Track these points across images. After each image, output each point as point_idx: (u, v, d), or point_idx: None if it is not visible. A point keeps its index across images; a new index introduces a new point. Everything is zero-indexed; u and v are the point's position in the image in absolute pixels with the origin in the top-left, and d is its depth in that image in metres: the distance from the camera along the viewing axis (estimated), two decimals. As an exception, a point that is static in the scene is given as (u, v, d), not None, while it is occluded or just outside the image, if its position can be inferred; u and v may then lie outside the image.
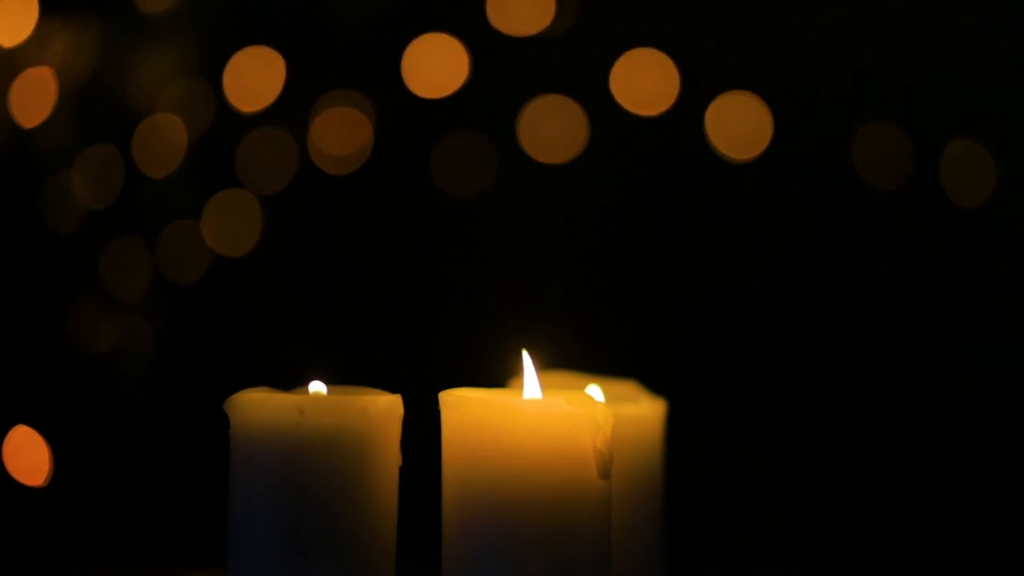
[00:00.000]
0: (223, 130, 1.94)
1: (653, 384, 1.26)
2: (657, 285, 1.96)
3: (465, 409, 1.03)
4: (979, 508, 1.88)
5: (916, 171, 1.89)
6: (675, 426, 1.24)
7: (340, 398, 1.08)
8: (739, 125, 1.90)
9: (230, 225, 1.95)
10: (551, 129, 1.93)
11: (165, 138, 1.93)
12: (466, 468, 1.02)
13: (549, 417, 1.01)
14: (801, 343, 1.94)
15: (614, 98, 1.91)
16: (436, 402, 1.05)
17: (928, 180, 1.88)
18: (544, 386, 1.07)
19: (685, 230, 1.96)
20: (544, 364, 1.25)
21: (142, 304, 1.93)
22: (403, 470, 1.09)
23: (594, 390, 1.19)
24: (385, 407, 1.07)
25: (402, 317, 1.97)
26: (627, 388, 1.24)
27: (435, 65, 1.93)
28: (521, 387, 1.07)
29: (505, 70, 1.94)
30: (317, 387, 1.10)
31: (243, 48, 1.94)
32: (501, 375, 1.22)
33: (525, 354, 1.08)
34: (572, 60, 1.94)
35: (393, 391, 1.09)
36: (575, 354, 1.39)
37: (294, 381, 1.12)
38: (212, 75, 1.94)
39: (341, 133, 1.96)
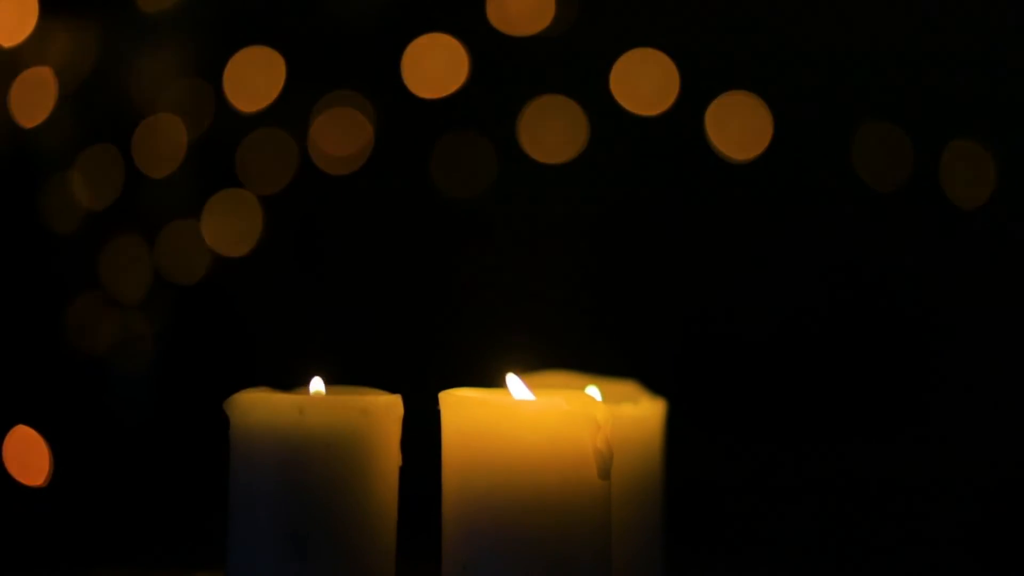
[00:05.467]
0: (223, 130, 1.94)
1: (653, 384, 1.25)
2: (657, 285, 1.96)
3: (465, 409, 1.03)
4: (979, 508, 1.88)
5: (916, 171, 1.89)
6: (675, 426, 1.24)
7: (340, 398, 1.08)
8: (739, 125, 1.90)
9: (230, 225, 1.95)
10: (551, 129, 1.93)
11: (165, 138, 1.93)
12: (466, 468, 1.02)
13: (549, 417, 1.01)
14: (801, 343, 1.94)
15: (614, 98, 1.91)
16: (436, 402, 1.05)
17: (928, 180, 1.88)
18: (543, 386, 1.07)
19: (685, 230, 1.96)
20: (542, 365, 1.25)
21: (142, 304, 1.93)
22: (403, 470, 1.09)
23: (592, 391, 1.18)
24: (385, 407, 1.07)
25: (402, 317, 1.97)
26: (627, 388, 1.24)
27: (435, 65, 1.93)
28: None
29: (505, 70, 1.94)
30: (317, 384, 1.10)
31: (243, 48, 1.94)
32: (501, 375, 1.21)
33: (510, 377, 1.08)
34: (572, 60, 1.94)
35: (393, 391, 1.09)
36: (575, 354, 1.39)
37: (294, 381, 1.12)
38: (212, 75, 1.94)
39: (341, 133, 1.96)
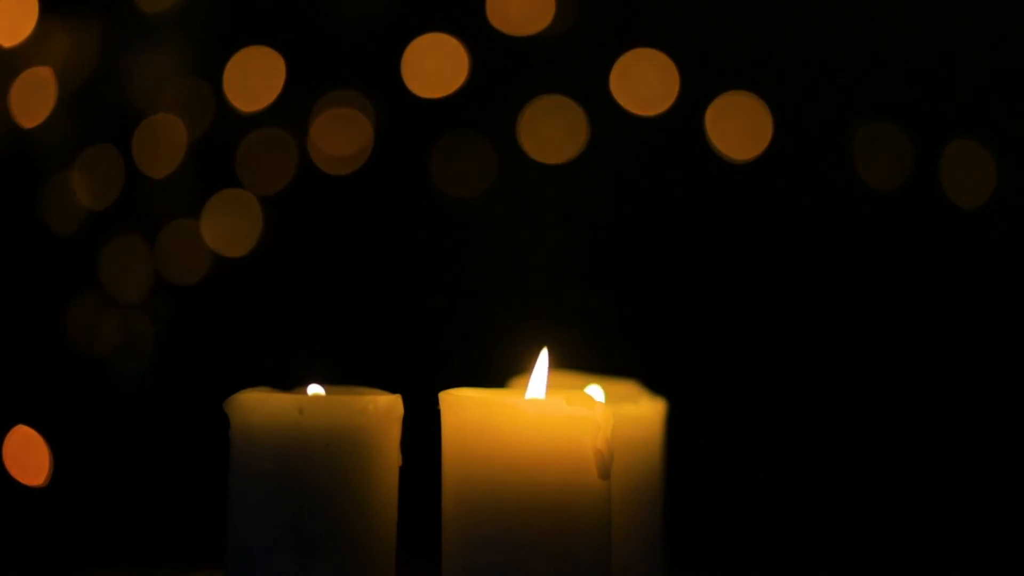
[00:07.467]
0: (223, 130, 1.94)
1: (653, 384, 1.26)
2: (657, 285, 1.96)
3: (465, 409, 1.03)
4: (981, 509, 1.88)
5: (916, 171, 1.89)
6: (675, 426, 1.24)
7: (340, 398, 1.07)
8: (739, 125, 1.90)
9: (230, 225, 1.95)
10: (551, 129, 1.93)
11: (165, 138, 1.93)
12: (466, 468, 1.02)
13: (549, 417, 1.01)
14: (801, 344, 1.94)
15: (614, 98, 1.91)
16: (436, 402, 1.05)
17: (928, 180, 1.88)
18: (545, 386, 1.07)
19: (685, 230, 1.96)
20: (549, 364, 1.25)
21: (142, 304, 1.93)
22: (403, 470, 1.09)
23: (594, 390, 1.18)
24: (385, 407, 1.07)
25: (402, 317, 1.97)
26: (627, 388, 1.24)
27: (435, 65, 1.93)
28: (523, 385, 1.07)
29: (505, 70, 1.94)
30: (315, 391, 1.10)
31: (243, 48, 1.94)
32: (501, 375, 1.22)
33: (544, 352, 1.08)
34: (572, 60, 1.94)
35: (393, 391, 1.09)
36: (575, 354, 1.39)
37: (294, 381, 1.12)
38: (212, 75, 1.94)
39: (341, 133, 1.96)
